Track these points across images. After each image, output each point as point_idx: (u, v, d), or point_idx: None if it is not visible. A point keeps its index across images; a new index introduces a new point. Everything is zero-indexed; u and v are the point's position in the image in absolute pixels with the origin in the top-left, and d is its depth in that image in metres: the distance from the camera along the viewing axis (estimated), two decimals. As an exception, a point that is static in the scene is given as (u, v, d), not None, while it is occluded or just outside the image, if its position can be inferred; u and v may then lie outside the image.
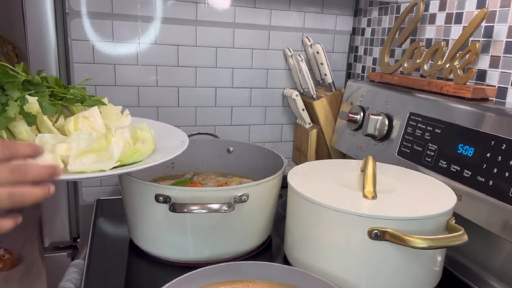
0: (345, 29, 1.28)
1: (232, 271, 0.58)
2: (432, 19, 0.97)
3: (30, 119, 0.57)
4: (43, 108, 0.58)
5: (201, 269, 0.56)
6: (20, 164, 0.46)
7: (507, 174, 0.65)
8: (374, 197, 0.65)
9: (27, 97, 0.58)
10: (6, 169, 0.45)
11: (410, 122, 0.88)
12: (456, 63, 0.83)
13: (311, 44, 1.20)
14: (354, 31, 1.29)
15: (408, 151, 0.87)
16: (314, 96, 1.17)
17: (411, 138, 0.86)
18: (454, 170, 0.75)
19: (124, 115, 0.71)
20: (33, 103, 0.59)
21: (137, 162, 0.61)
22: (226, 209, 0.67)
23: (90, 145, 0.56)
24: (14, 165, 0.46)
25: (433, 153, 0.80)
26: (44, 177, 0.47)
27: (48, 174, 0.47)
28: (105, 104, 0.68)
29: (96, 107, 0.65)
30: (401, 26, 1.03)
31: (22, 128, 0.57)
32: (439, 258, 0.66)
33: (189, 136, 0.81)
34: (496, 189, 0.66)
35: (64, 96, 0.64)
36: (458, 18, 0.90)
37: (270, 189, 0.77)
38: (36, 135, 0.58)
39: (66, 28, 1.01)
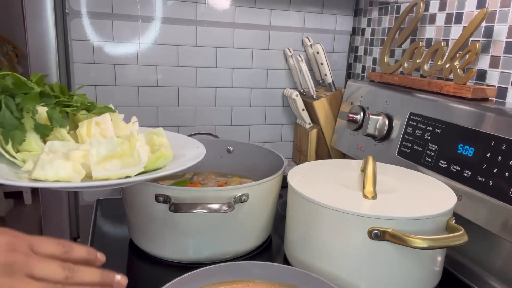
0: (345, 29, 1.28)
1: (232, 271, 0.58)
2: (432, 19, 0.97)
3: (46, 131, 0.54)
4: (53, 120, 0.54)
5: (201, 269, 0.56)
6: (73, 265, 0.45)
7: (507, 174, 0.65)
8: (374, 197, 0.65)
9: (37, 107, 0.55)
10: (59, 265, 0.44)
11: (410, 122, 0.88)
12: (456, 63, 0.83)
13: (311, 44, 1.20)
14: (354, 31, 1.29)
15: (408, 151, 0.87)
16: (314, 96, 1.17)
17: (411, 138, 0.86)
18: (454, 170, 0.75)
19: (132, 122, 0.67)
20: (42, 113, 0.56)
21: (160, 168, 0.58)
22: (226, 209, 0.67)
23: (112, 150, 0.54)
24: (67, 263, 0.45)
25: (433, 153, 0.80)
26: (95, 282, 0.46)
27: (99, 280, 0.46)
28: (115, 112, 0.64)
29: (107, 113, 0.62)
30: (401, 26, 1.03)
31: (30, 138, 0.54)
32: (439, 258, 0.66)
33: (189, 136, 0.81)
34: (496, 189, 0.66)
35: (70, 104, 0.60)
36: (458, 18, 0.90)
37: (270, 189, 0.77)
38: (45, 144, 0.54)
39: (66, 28, 1.01)
